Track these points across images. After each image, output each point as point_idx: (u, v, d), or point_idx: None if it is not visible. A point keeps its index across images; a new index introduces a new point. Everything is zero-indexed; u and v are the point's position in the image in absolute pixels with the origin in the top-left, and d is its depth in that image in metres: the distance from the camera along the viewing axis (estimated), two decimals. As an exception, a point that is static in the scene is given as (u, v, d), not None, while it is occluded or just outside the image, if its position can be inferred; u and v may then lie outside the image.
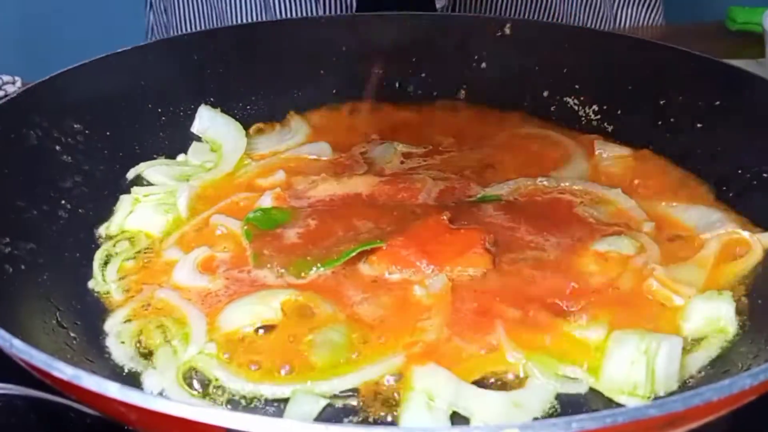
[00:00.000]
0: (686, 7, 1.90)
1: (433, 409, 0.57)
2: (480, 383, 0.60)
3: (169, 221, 0.80)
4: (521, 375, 0.60)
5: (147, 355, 0.64)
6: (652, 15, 1.48)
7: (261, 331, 0.65)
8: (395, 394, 0.59)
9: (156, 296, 0.69)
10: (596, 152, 0.91)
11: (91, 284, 0.72)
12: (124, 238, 0.78)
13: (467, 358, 0.61)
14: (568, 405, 0.59)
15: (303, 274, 0.70)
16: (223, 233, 0.77)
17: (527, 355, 0.61)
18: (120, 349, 0.64)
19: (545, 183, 0.85)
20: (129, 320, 0.67)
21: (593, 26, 1.40)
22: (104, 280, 0.72)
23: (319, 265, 0.70)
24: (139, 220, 0.80)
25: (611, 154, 0.90)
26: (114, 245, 0.77)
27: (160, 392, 0.60)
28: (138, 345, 0.65)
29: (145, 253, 0.76)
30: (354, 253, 0.71)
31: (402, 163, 0.91)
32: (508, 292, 0.68)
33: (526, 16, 1.32)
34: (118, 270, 0.73)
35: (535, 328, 0.64)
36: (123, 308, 0.69)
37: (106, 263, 0.74)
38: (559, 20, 1.38)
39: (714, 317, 0.65)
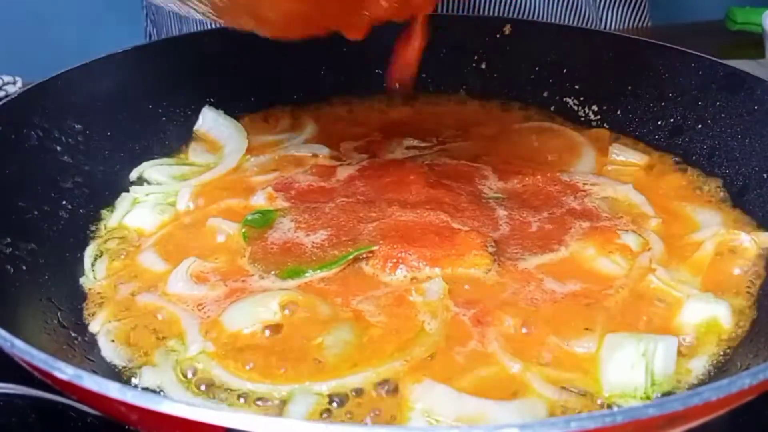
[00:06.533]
0: (686, 7, 1.90)
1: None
2: (481, 393, 0.58)
3: (165, 221, 0.80)
4: (522, 384, 0.60)
5: (141, 353, 0.64)
6: (638, 17, 1.48)
7: (260, 332, 0.64)
8: (397, 398, 0.58)
9: (140, 300, 0.69)
10: (611, 156, 0.90)
11: (82, 281, 0.72)
12: (117, 236, 0.78)
13: (467, 367, 0.61)
14: (570, 412, 0.58)
15: (299, 278, 0.70)
16: (216, 236, 0.77)
17: (526, 365, 0.61)
18: (110, 348, 0.64)
19: (557, 177, 0.85)
20: (118, 319, 0.67)
21: None
22: (94, 278, 0.73)
23: (314, 269, 0.70)
24: (136, 218, 0.80)
25: (624, 159, 0.89)
26: (105, 242, 0.77)
27: (158, 390, 0.60)
28: (130, 343, 0.65)
29: (134, 250, 0.76)
30: (350, 257, 0.71)
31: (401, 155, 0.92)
32: (507, 297, 0.67)
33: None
34: (107, 268, 0.74)
35: (532, 337, 0.63)
36: (112, 306, 0.69)
37: (96, 260, 0.75)
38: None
39: (710, 317, 0.65)
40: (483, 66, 1.03)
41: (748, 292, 0.69)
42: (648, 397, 0.58)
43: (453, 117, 1.01)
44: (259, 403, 0.59)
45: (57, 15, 2.19)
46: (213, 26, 1.31)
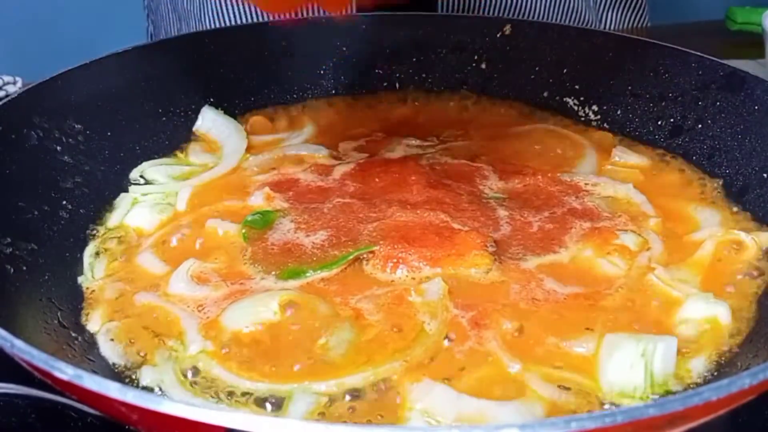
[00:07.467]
0: (686, 7, 1.90)
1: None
2: (480, 394, 0.58)
3: (164, 221, 0.80)
4: (521, 384, 0.59)
5: (140, 353, 0.64)
6: (637, 18, 1.48)
7: (260, 332, 0.64)
8: (396, 398, 0.58)
9: (139, 300, 0.69)
10: (613, 158, 0.89)
11: (81, 280, 0.72)
12: (116, 236, 0.78)
13: (466, 367, 0.61)
14: (570, 412, 0.58)
15: (299, 278, 0.70)
16: (215, 237, 0.77)
17: (525, 366, 0.60)
18: (110, 347, 0.64)
19: (558, 177, 0.84)
20: (118, 319, 0.67)
21: None
22: (93, 277, 0.73)
23: (314, 269, 0.70)
24: (135, 218, 0.80)
25: (625, 161, 0.89)
26: (104, 242, 0.77)
27: (158, 389, 0.60)
28: (129, 343, 0.65)
29: (133, 250, 0.76)
30: (350, 258, 0.70)
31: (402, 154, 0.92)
32: (507, 297, 0.67)
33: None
34: (106, 267, 0.74)
35: (532, 337, 0.63)
36: (111, 306, 0.69)
37: (96, 260, 0.75)
38: None
39: (710, 317, 0.65)
40: (483, 66, 1.03)
41: (748, 292, 0.69)
42: (647, 397, 0.58)
43: (453, 117, 1.01)
44: (259, 402, 0.59)
45: (57, 15, 2.19)
46: (213, 26, 1.32)
